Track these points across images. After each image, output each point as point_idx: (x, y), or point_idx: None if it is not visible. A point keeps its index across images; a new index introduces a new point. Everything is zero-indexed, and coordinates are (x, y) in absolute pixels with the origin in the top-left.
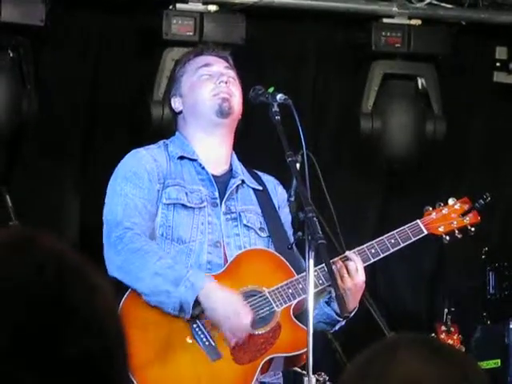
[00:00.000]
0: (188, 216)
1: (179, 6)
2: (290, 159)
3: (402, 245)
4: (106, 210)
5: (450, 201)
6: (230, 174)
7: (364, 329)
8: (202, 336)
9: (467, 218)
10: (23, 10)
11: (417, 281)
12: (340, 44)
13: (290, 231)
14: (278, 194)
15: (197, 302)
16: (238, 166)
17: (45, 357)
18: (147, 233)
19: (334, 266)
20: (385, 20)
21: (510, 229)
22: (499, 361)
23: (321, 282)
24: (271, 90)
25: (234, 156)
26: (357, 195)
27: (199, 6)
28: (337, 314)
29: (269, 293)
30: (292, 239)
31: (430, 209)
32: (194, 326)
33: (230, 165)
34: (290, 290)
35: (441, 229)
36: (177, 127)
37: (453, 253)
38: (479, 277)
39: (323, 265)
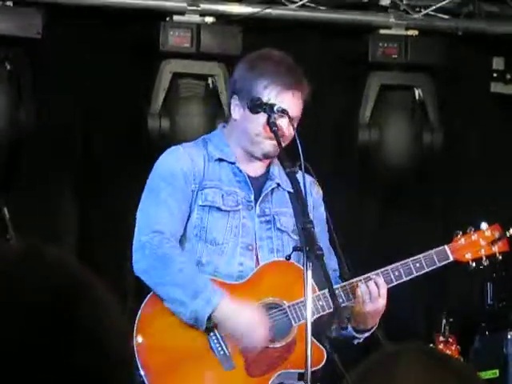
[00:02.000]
0: (222, 218)
1: (176, 17)
2: (287, 170)
3: (427, 269)
4: (140, 207)
5: (482, 225)
6: (267, 175)
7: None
8: (217, 345)
9: (496, 247)
10: (20, 22)
11: (415, 291)
12: (337, 55)
13: (324, 230)
14: (313, 192)
15: (212, 316)
16: (276, 168)
17: (49, 370)
18: (178, 235)
19: (359, 289)
20: (382, 31)
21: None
22: (497, 371)
23: (341, 300)
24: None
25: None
26: (354, 206)
27: (196, 18)
28: (356, 331)
29: (288, 307)
30: (324, 238)
31: (460, 233)
32: (211, 334)
33: (268, 165)
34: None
35: (468, 256)
36: (225, 123)
37: (451, 263)
38: (478, 287)
39: (342, 284)
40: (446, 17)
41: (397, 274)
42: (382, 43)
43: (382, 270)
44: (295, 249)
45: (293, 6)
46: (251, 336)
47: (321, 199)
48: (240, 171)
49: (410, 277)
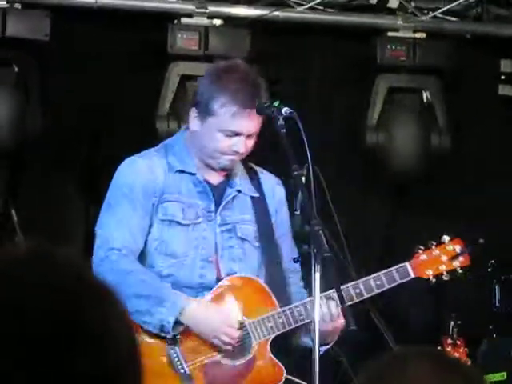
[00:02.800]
0: (182, 232)
1: (184, 20)
2: (295, 172)
3: (388, 287)
4: (99, 221)
5: (444, 239)
6: (228, 182)
7: (371, 342)
8: (178, 363)
9: (457, 262)
10: (28, 24)
11: (423, 294)
12: (345, 57)
13: (288, 231)
14: (276, 195)
15: (178, 322)
16: (238, 173)
17: (54, 372)
18: (136, 251)
19: (325, 306)
20: (390, 33)
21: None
22: (505, 373)
23: (301, 318)
24: (277, 103)
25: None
26: (362, 208)
27: (204, 20)
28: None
29: (249, 324)
30: (287, 239)
31: (422, 249)
32: (172, 352)
33: (229, 172)
34: (270, 324)
35: (428, 272)
36: (186, 128)
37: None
38: (485, 290)
39: (303, 301)
40: (453, 19)
41: (357, 291)
42: (389, 45)
43: (343, 286)
44: (303, 252)
45: (300, 9)
46: (218, 337)
47: (284, 199)
48: (200, 182)
49: (371, 294)
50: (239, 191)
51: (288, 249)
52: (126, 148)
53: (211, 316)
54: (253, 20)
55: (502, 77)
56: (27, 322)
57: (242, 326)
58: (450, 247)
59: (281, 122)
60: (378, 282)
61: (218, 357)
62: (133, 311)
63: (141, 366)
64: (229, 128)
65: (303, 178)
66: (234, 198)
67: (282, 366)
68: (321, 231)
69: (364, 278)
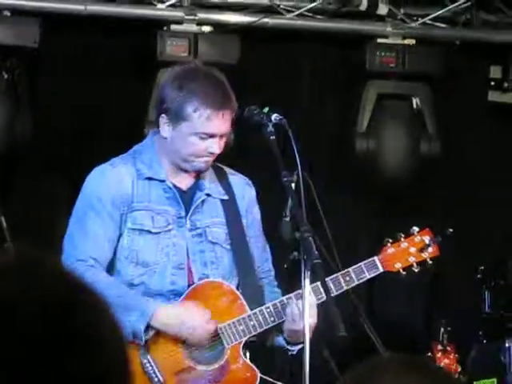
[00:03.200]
0: (153, 240)
1: (173, 26)
2: (285, 179)
3: (357, 282)
4: (67, 232)
5: (413, 230)
6: (197, 186)
7: (360, 348)
8: (151, 371)
9: (427, 253)
10: (17, 31)
11: (413, 300)
12: (334, 64)
13: (260, 231)
14: (246, 195)
15: (150, 326)
16: (206, 177)
17: (46, 378)
18: (104, 261)
19: (289, 308)
20: (379, 40)
21: (505, 247)
22: (495, 379)
23: (272, 319)
24: (266, 110)
25: None
26: (352, 215)
27: (193, 27)
28: (288, 343)
29: (220, 329)
30: (259, 239)
31: (390, 242)
32: (145, 361)
33: (197, 176)
34: (241, 327)
35: (397, 265)
36: (155, 131)
37: (449, 272)
38: (475, 296)
39: (273, 303)
40: (443, 26)
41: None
42: (379, 52)
43: (312, 285)
44: (293, 259)
45: (290, 16)
46: (191, 333)
47: (254, 199)
48: (170, 188)
49: (341, 291)
50: (208, 195)
51: (260, 249)
52: (116, 153)
53: (182, 314)
54: (242, 27)
55: (492, 83)
56: (17, 326)
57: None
58: (418, 238)
59: (270, 128)
60: (348, 278)
61: (191, 363)
62: None
63: (130, 368)
64: (203, 131)
65: (293, 185)
66: (203, 201)
67: (255, 368)
68: (311, 238)
69: (333, 276)
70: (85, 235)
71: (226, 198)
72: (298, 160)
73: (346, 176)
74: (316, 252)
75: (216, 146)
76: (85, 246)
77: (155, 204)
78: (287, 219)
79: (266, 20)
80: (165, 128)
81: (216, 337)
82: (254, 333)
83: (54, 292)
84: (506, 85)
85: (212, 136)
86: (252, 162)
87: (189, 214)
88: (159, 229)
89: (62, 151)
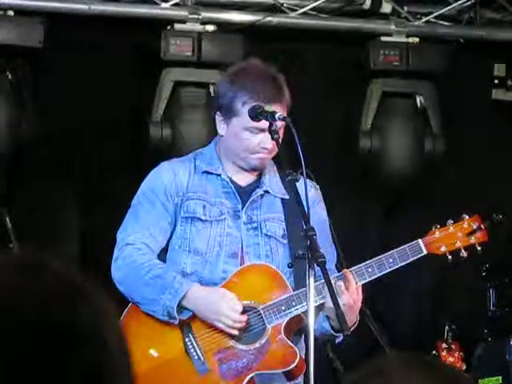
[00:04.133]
0: (205, 229)
1: (177, 26)
2: (289, 178)
3: (400, 264)
4: (121, 224)
5: (463, 217)
6: (257, 184)
7: (365, 347)
8: (192, 350)
9: (473, 238)
10: (21, 31)
11: (418, 298)
12: (338, 62)
13: (322, 231)
14: (310, 196)
15: (182, 305)
16: (267, 176)
17: (47, 374)
18: (155, 248)
19: (338, 283)
20: (383, 38)
21: (510, 245)
22: (500, 378)
23: (315, 299)
24: (270, 108)
25: (268, 164)
26: (356, 213)
27: (197, 26)
28: (334, 329)
29: (262, 309)
30: (323, 236)
31: (437, 227)
32: (187, 339)
33: (259, 174)
34: (283, 307)
35: (443, 248)
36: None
37: (454, 270)
38: (480, 294)
39: (321, 281)
40: (446, 24)
41: (370, 270)
42: (383, 50)
43: (356, 267)
44: (297, 256)
45: (294, 14)
46: (220, 320)
47: (317, 202)
48: (227, 183)
49: (384, 272)
50: (267, 192)
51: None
52: (121, 154)
53: (212, 299)
54: (246, 25)
55: (496, 81)
56: (19, 327)
57: (249, 310)
58: (466, 224)
59: (274, 127)
60: (391, 260)
61: (231, 342)
62: (143, 301)
63: (131, 368)
64: (253, 125)
65: (297, 183)
66: (261, 196)
67: (296, 348)
68: (315, 236)
69: (377, 257)
70: (136, 222)
71: (286, 197)
72: (302, 158)
73: (350, 174)
74: (320, 250)
75: (269, 141)
76: (135, 232)
77: (211, 196)
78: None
79: (269, 19)
80: (220, 126)
81: (258, 317)
82: (294, 313)
83: (56, 293)
84: (510, 83)
85: (263, 130)
86: None
87: (245, 208)
88: (211, 217)
89: (67, 151)
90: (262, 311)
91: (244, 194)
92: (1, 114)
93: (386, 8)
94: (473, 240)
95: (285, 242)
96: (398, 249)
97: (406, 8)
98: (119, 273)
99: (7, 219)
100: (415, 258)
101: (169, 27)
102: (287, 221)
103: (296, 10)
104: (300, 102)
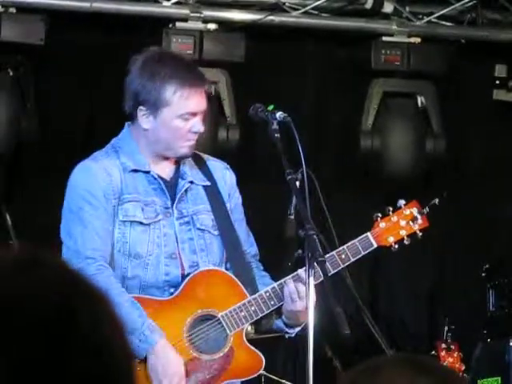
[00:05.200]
0: (144, 232)
1: (179, 24)
2: (289, 177)
3: (353, 260)
4: (63, 231)
5: (399, 203)
6: (178, 174)
7: (365, 347)
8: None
9: (416, 225)
10: (23, 29)
11: (417, 299)
12: (340, 62)
13: (242, 216)
14: (227, 180)
15: (147, 355)
16: (186, 165)
17: (48, 375)
18: (108, 256)
19: (287, 288)
20: (384, 38)
21: (510, 246)
22: (500, 378)
23: (272, 302)
24: (271, 107)
25: None
26: (357, 213)
27: (199, 25)
28: (287, 326)
29: (222, 316)
30: (243, 223)
31: (380, 217)
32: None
33: (178, 164)
34: (243, 313)
35: (390, 239)
36: (131, 124)
37: (453, 270)
38: (479, 294)
39: (272, 286)
40: (448, 24)
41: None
42: (384, 50)
43: (307, 267)
44: (297, 256)
45: (295, 13)
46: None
47: (235, 184)
48: (155, 179)
49: (337, 269)
50: (191, 182)
51: (245, 233)
52: None
53: (168, 364)
54: (248, 24)
55: (497, 81)
56: (18, 326)
57: (209, 318)
58: (407, 211)
59: (275, 126)
60: (343, 256)
61: (195, 353)
62: None
63: (133, 366)
64: (185, 111)
65: (297, 183)
66: (186, 190)
67: (260, 354)
68: (315, 236)
69: (328, 254)
70: (85, 229)
71: (208, 183)
72: (302, 158)
73: (350, 174)
74: (320, 250)
75: (199, 125)
76: (89, 243)
77: (143, 195)
78: (292, 217)
79: (271, 18)
80: (144, 120)
81: (219, 325)
82: (255, 318)
83: (55, 290)
84: (511, 83)
85: (194, 114)
86: (257, 160)
87: (175, 203)
88: (150, 220)
89: (67, 149)
90: (221, 318)
91: (170, 188)
92: (1, 111)
93: (388, 8)
94: (415, 227)
95: (216, 233)
96: (349, 244)
97: (407, 8)
98: None
99: (7, 216)
100: (366, 252)
101: (170, 25)
102: (213, 209)
103: (298, 9)
104: (301, 101)
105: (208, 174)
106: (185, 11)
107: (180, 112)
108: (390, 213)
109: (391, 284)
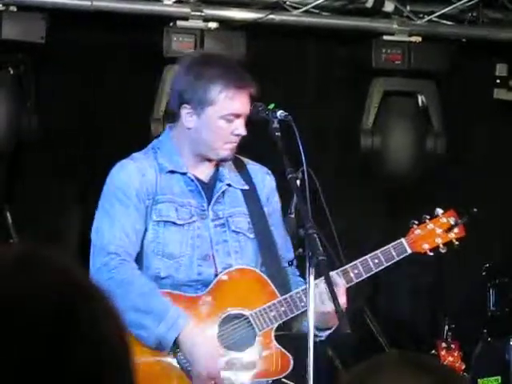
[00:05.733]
0: (177, 232)
1: (180, 23)
2: (290, 176)
3: (386, 265)
4: (93, 227)
5: (437, 212)
6: (216, 176)
7: (365, 346)
8: (186, 364)
9: (452, 233)
10: (24, 27)
11: (417, 298)
12: (340, 61)
13: (280, 220)
14: (266, 184)
15: (177, 340)
16: (226, 168)
17: (48, 373)
18: (134, 254)
19: (317, 289)
20: (385, 37)
21: (510, 245)
22: (500, 377)
23: (302, 304)
24: (271, 106)
25: None
26: (358, 212)
27: (199, 23)
28: (317, 329)
29: (251, 315)
30: (280, 228)
31: (416, 224)
32: (179, 354)
33: (217, 166)
34: (273, 313)
35: (425, 246)
36: (173, 126)
37: (453, 269)
38: (480, 293)
39: (302, 287)
40: (449, 23)
41: (356, 271)
42: (385, 49)
43: (342, 269)
44: (297, 255)
45: (296, 12)
46: (202, 365)
47: (274, 188)
48: (192, 180)
49: (370, 273)
50: (229, 185)
51: (281, 238)
52: (122, 151)
53: (200, 346)
54: (249, 23)
55: (498, 81)
56: (17, 324)
57: (239, 316)
58: (443, 220)
59: (275, 125)
60: (376, 261)
61: (222, 351)
62: (130, 324)
63: (133, 364)
64: (230, 112)
65: (298, 181)
66: (224, 192)
67: (288, 354)
68: (315, 235)
69: (361, 258)
70: (112, 227)
71: (246, 187)
72: (303, 157)
73: (351, 173)
74: (321, 249)
75: (242, 128)
76: (114, 239)
77: (178, 197)
78: (292, 216)
79: (272, 16)
80: (188, 118)
81: (248, 323)
82: (284, 318)
83: (53, 288)
84: (511, 82)
85: (238, 116)
86: (257, 159)
87: (211, 205)
88: (183, 220)
89: (68, 147)
90: (251, 318)
91: (207, 189)
92: (2, 109)
93: (389, 7)
94: (451, 235)
95: (252, 236)
96: (383, 249)
97: (408, 7)
98: (104, 286)
99: (8, 215)
100: (400, 257)
101: (171, 24)
102: (250, 213)
103: (298, 8)
104: (302, 100)
105: (247, 177)
106: (186, 10)
107: (224, 112)
108: (427, 220)
109: (391, 283)
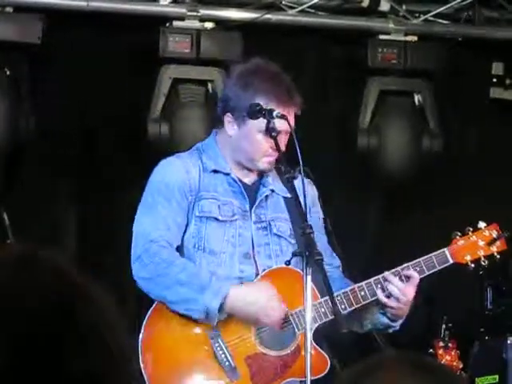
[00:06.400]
0: (219, 228)
1: (176, 23)
2: (287, 175)
3: (428, 273)
4: (136, 220)
5: (480, 225)
6: (261, 181)
7: (363, 345)
8: (222, 355)
9: (494, 247)
10: (20, 27)
11: (414, 297)
12: (336, 60)
13: (321, 228)
14: (309, 194)
15: (223, 306)
16: (270, 174)
17: (46, 374)
18: (174, 243)
19: (397, 281)
20: (381, 36)
21: (508, 244)
22: (497, 376)
23: (343, 307)
24: (268, 106)
25: None
26: (354, 211)
27: (196, 24)
28: (391, 320)
29: (291, 315)
30: (321, 236)
31: (459, 235)
32: (216, 345)
33: (261, 173)
34: (312, 314)
35: (467, 257)
36: (217, 130)
37: (450, 268)
38: (477, 292)
39: (369, 280)
40: (445, 22)
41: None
42: (381, 49)
43: (385, 274)
44: (294, 254)
45: (292, 12)
46: (267, 314)
47: (316, 199)
48: (235, 181)
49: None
50: (272, 190)
51: (323, 244)
52: (118, 150)
53: (255, 295)
54: (245, 23)
55: (494, 79)
56: (16, 324)
57: (284, 317)
58: (486, 232)
59: (272, 124)
60: (418, 269)
61: (261, 348)
62: (176, 300)
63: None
64: (271, 128)
65: (295, 181)
66: (267, 196)
67: (326, 355)
68: (312, 234)
69: (403, 265)
70: (155, 219)
71: (288, 196)
72: (299, 156)
73: (347, 172)
74: (318, 249)
75: (281, 144)
76: (155, 229)
77: (221, 195)
78: None
79: (268, 16)
80: (229, 126)
81: (287, 323)
82: (324, 319)
83: (53, 289)
84: (507, 81)
85: (278, 133)
86: None
87: (253, 208)
88: (225, 217)
89: (65, 147)
90: (290, 317)
91: (250, 192)
92: None
93: (385, 6)
94: (493, 249)
95: (293, 241)
96: (425, 257)
97: (404, 6)
98: (145, 271)
99: (5, 215)
100: (441, 267)
101: (167, 24)
102: (292, 221)
103: (295, 8)
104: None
105: (290, 186)
106: (182, 10)
107: (263, 128)
108: (470, 232)
109: None
